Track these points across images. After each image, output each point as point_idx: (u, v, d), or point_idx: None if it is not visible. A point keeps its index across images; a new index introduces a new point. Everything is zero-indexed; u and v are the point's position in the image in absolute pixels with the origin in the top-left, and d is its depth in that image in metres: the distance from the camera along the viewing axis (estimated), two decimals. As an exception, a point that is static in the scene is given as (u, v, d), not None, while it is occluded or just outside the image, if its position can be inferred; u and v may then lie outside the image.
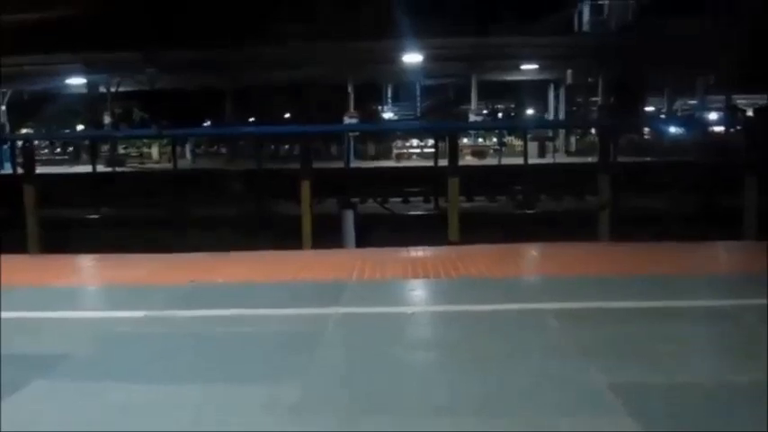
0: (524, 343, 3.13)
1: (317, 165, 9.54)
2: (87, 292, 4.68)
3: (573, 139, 30.46)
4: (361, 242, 9.12)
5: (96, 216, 12.52)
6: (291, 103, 31.84)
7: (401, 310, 3.78)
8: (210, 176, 16.67)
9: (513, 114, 38.73)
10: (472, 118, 27.59)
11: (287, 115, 34.17)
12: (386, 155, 28.05)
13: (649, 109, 33.53)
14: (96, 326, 3.56)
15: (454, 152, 8.41)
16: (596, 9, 26.83)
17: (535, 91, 32.34)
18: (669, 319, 3.43)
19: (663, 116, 31.87)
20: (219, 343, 3.23)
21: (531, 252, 5.83)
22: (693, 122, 25.43)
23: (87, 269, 5.55)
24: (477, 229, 8.65)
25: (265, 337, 3.30)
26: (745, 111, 30.45)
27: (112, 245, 7.29)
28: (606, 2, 26.87)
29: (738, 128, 17.84)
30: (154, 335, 3.37)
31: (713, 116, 30.21)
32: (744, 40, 21.30)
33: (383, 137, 29.14)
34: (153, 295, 4.20)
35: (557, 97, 30.37)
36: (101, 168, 20.61)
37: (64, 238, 8.26)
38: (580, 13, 27.36)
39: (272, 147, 28.26)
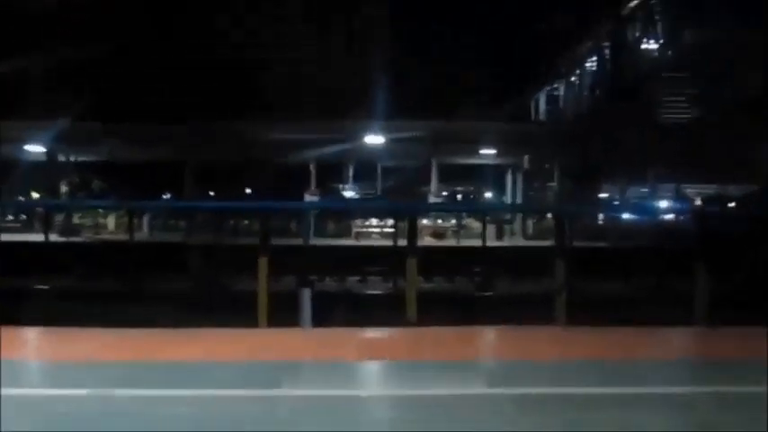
0: (480, 430, 3.08)
1: (275, 241, 9.49)
2: (31, 367, 4.49)
3: (530, 223, 31.05)
4: (318, 321, 9.00)
5: (47, 287, 12.16)
6: (252, 179, 31.95)
7: (355, 394, 3.70)
8: (167, 249, 16.44)
9: (472, 197, 39.47)
10: (432, 199, 28.00)
11: (247, 191, 34.21)
12: (345, 233, 28.13)
13: (603, 195, 34.54)
14: (37, 404, 3.40)
15: (413, 232, 8.45)
16: (552, 98, 27.94)
17: (493, 175, 33.13)
18: (624, 407, 3.43)
19: (616, 202, 32.84)
20: (161, 424, 3.11)
21: (489, 335, 5.81)
22: (645, 209, 26.24)
23: (34, 342, 5.34)
24: (435, 310, 8.62)
25: (211, 420, 3.18)
26: (693, 199, 31.59)
27: (62, 317, 7.05)
28: (561, 92, 28.07)
29: (687, 215, 18.43)
30: (94, 415, 3.24)
31: (663, 203, 31.21)
32: (690, 132, 22.32)
33: (343, 215, 29.27)
34: (99, 372, 4.05)
35: (514, 182, 31.11)
36: (54, 238, 20.17)
37: (11, 309, 7.98)
38: (536, 102, 28.47)
39: (231, 222, 28.09)
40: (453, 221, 30.80)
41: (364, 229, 28.61)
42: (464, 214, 29.97)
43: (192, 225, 26.76)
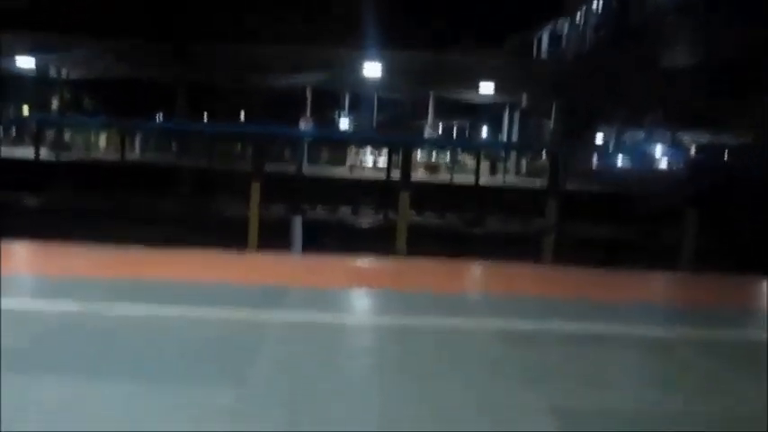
0: (466, 362, 3.15)
1: (269, 167, 9.46)
2: (21, 281, 4.51)
3: (525, 161, 31.01)
4: (308, 249, 9.09)
5: (37, 203, 12.15)
6: (248, 104, 31.56)
7: (341, 320, 3.76)
8: (159, 171, 16.38)
9: (467, 132, 39.25)
10: (428, 133, 27.82)
11: (242, 115, 33.84)
12: (339, 163, 28.03)
13: (599, 139, 34.41)
14: (28, 318, 3.44)
15: (407, 166, 8.45)
16: (555, 37, 27.45)
17: (491, 112, 32.87)
18: (605, 345, 3.50)
19: (611, 145, 32.78)
20: (154, 341, 3.16)
21: (476, 270, 5.88)
22: (640, 154, 26.22)
23: (23, 257, 5.36)
24: (424, 244, 8.70)
25: (200, 341, 3.23)
26: (688, 148, 31.54)
27: (54, 233, 7.07)
28: (564, 31, 27.54)
29: (681, 163, 18.48)
30: (86, 330, 3.27)
31: (659, 150, 31.23)
32: (689, 78, 22.03)
33: (338, 145, 29.11)
34: (91, 288, 4.08)
35: (511, 120, 30.91)
36: (45, 154, 20.00)
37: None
38: (539, 40, 27.97)
39: (225, 146, 27.91)
40: (448, 156, 30.73)
41: (358, 160, 28.54)
42: (459, 149, 29.90)
43: (184, 147, 26.59)
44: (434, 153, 31.09)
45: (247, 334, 3.33)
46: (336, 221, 13.00)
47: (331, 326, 3.59)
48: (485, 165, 25.25)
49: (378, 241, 9.68)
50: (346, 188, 15.84)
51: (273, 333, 3.40)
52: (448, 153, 30.97)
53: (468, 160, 30.71)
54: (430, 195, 14.94)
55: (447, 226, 13.25)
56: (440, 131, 33.11)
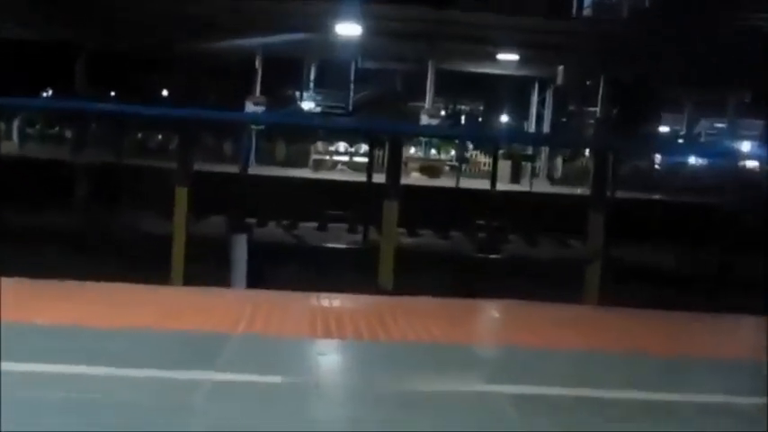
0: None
1: (200, 167, 9.46)
2: None
3: (559, 162, 31.23)
4: (256, 282, 9.08)
5: None
6: (173, 78, 31.54)
7: (302, 381, 3.74)
8: (46, 169, 16.31)
9: (481, 120, 39.49)
10: (425, 120, 27.90)
11: (164, 94, 33.87)
12: (301, 161, 28.09)
13: (664, 129, 34.72)
14: None
15: (396, 165, 8.46)
16: (604, -12, 27.66)
17: (513, 91, 33.08)
18: (672, 420, 3.48)
19: (681, 140, 33.06)
20: (31, 410, 3.11)
21: (492, 312, 5.88)
22: (721, 152, 26.38)
23: None
24: (419, 275, 8.68)
25: (103, 409, 3.19)
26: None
27: None
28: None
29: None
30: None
31: (747, 146, 31.36)
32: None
33: (298, 135, 29.17)
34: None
35: (542, 102, 31.10)
36: None
37: None
38: (581, -9, 28.15)
39: (140, 135, 27.87)
40: (453, 153, 30.84)
41: (327, 157, 28.64)
42: (469, 144, 30.05)
43: (82, 136, 26.49)
44: (434, 148, 31.28)
45: (165, 401, 3.32)
46: (295, 243, 13.01)
47: (282, 389, 3.57)
48: (504, 165, 25.42)
49: (353, 271, 9.67)
50: (310, 196, 15.88)
51: (202, 401, 3.38)
52: (453, 149, 31.11)
53: (482, 159, 30.85)
54: (428, 207, 14.98)
55: (452, 250, 13.30)
56: (442, 118, 33.28)
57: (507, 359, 4.46)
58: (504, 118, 38.22)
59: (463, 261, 11.98)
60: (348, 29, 25.47)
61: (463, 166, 27.64)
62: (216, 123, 22.79)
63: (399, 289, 7.16)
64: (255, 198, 14.18)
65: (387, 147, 14.33)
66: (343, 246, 12.83)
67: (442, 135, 30.45)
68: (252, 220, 12.49)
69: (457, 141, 29.84)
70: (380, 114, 30.49)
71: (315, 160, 28.04)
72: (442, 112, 34.23)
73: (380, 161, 24.54)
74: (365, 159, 22.55)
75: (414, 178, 25.15)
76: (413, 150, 30.04)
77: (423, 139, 29.89)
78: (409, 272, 7.63)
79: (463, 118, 39.76)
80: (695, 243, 12.85)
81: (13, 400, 3.18)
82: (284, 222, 14.18)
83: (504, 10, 24.63)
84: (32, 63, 30.77)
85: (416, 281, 7.16)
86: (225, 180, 15.38)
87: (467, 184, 22.10)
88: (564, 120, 32.72)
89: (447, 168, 29.11)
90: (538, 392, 3.73)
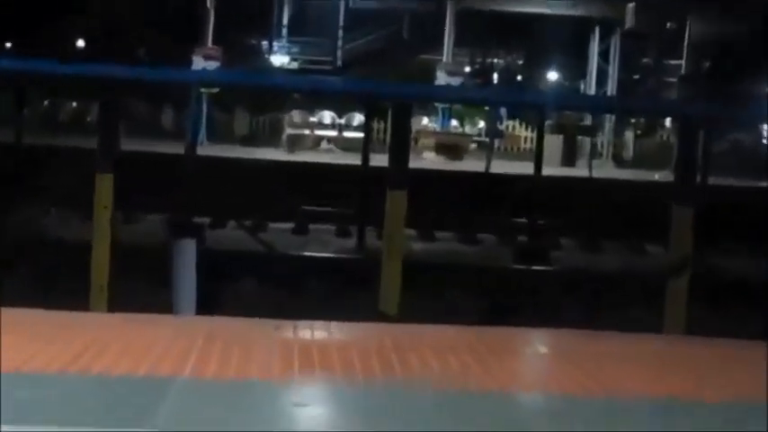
0: None
1: (130, 145, 9.47)
2: None
3: (630, 136, 31.21)
4: (210, 305, 9.10)
5: None
6: (90, 24, 31.57)
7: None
8: None
9: (520, 79, 39.44)
10: (443, 79, 27.89)
11: (79, 45, 33.88)
12: (271, 137, 28.11)
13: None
14: None
15: (403, 142, 8.49)
16: None
17: (566, 38, 33.00)
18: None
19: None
20: None
21: (538, 345, 5.90)
22: None
23: None
24: (435, 295, 8.70)
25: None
26: None
27: None
28: None
29: None
30: None
31: None
32: None
33: (267, 101, 29.18)
34: None
35: (604, 54, 31.09)
36: None
37: None
38: None
39: (46, 103, 27.88)
40: (481, 125, 30.80)
41: (307, 132, 28.62)
42: (503, 111, 29.99)
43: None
44: (456, 118, 31.17)
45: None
46: (264, 251, 13.01)
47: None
48: (553, 142, 25.41)
49: (344, 290, 9.68)
50: (284, 186, 15.87)
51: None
52: (482, 119, 31.05)
53: (522, 132, 30.82)
54: (447, 200, 14.98)
55: (480, 260, 13.28)
56: (466, 76, 33.20)
57: (559, 413, 4.47)
58: (553, 75, 38.16)
59: (496, 275, 11.94)
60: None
61: (496, 143, 27.57)
62: (150, 85, 22.78)
63: (408, 315, 7.17)
64: (208, 189, 14.12)
65: (390, 117, 14.32)
66: (330, 255, 12.79)
67: (467, 100, 30.36)
68: (203, 220, 12.46)
69: (487, 108, 29.73)
70: (380, 72, 30.44)
71: (290, 136, 28.00)
72: (467, 69, 34.22)
73: (381, 137, 24.56)
74: (360, 135, 22.52)
75: (427, 160, 25.22)
76: (426, 122, 30.02)
77: (439, 106, 29.80)
78: (421, 290, 7.64)
79: (496, 76, 39.66)
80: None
81: None
82: (248, 223, 14.14)
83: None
84: None
85: (432, 303, 7.18)
86: (165, 164, 15.31)
87: (501, 167, 22.09)
88: (636, 78, 32.72)
89: (473, 146, 29.10)
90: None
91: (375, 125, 21.71)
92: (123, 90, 13.31)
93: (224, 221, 14.11)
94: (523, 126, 30.81)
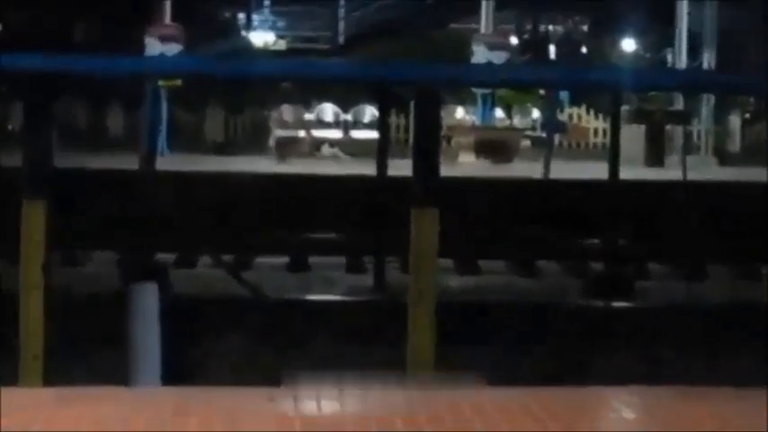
0: None
1: (68, 161, 9.52)
2: None
3: (736, 123, 31.19)
4: (180, 368, 9.14)
5: None
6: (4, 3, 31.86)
7: None
8: None
9: (586, 51, 39.51)
10: (481, 56, 28.01)
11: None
12: (254, 142, 28.22)
13: None
14: None
15: (431, 143, 8.50)
16: None
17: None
18: None
19: None
20: None
21: (627, 409, 5.90)
22: None
23: None
24: (482, 347, 8.72)
25: None
26: None
27: None
28: None
29: None
30: None
31: None
32: None
33: (247, 95, 29.33)
34: None
35: (695, 14, 31.11)
36: None
37: None
38: None
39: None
40: (535, 115, 30.85)
41: (301, 133, 28.70)
42: (564, 96, 30.04)
43: None
44: (501, 107, 31.19)
45: None
46: (249, 297, 13.04)
47: None
48: (633, 134, 25.39)
49: (360, 344, 9.71)
50: (274, 207, 15.93)
51: None
52: (535, 106, 31.13)
53: (591, 122, 30.86)
54: (493, 218, 14.98)
55: (542, 295, 13.30)
56: (513, 50, 33.20)
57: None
58: (629, 45, 38.15)
59: (564, 316, 11.96)
60: None
61: (556, 138, 27.61)
62: (90, 80, 22.92)
63: (445, 376, 7.18)
64: (173, 216, 14.21)
65: (412, 109, 14.35)
66: (339, 298, 12.83)
67: (515, 82, 30.45)
68: (167, 257, 12.51)
69: (542, 93, 29.81)
70: (397, 50, 30.56)
71: (279, 140, 28.09)
72: (513, 40, 34.21)
73: (402, 136, 24.62)
74: (372, 135, 22.62)
75: (465, 165, 25.24)
76: (461, 113, 30.09)
77: (479, 92, 29.93)
78: (463, 342, 7.65)
79: (552, 49, 39.70)
80: None
81: None
82: (227, 258, 14.17)
83: None
84: None
85: (477, 357, 7.17)
86: (114, 185, 15.41)
87: (563, 170, 22.10)
88: (741, 45, 32.74)
89: (526, 143, 29.16)
90: None
91: (393, 121, 21.73)
92: (55, 88, 13.35)
93: (195, 258, 14.14)
94: (592, 114, 30.87)
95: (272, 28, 32.33)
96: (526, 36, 37.99)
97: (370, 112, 27.34)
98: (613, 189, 14.41)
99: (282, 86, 28.23)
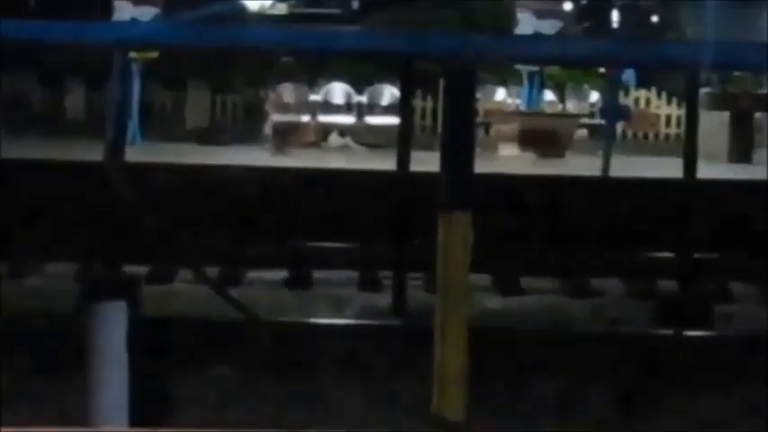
0: None
1: (15, 151, 9.56)
2: None
3: None
4: (152, 406, 9.15)
5: None
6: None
7: None
8: None
9: (655, 20, 39.53)
10: (527, 25, 28.03)
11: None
12: (246, 129, 28.28)
13: None
14: None
15: (463, 130, 8.49)
16: None
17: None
18: None
19: None
20: None
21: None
22: None
23: None
24: (526, 386, 8.74)
25: None
26: None
27: None
28: None
29: None
30: None
31: None
32: None
33: (239, 71, 29.41)
34: None
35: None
36: None
37: None
38: None
39: None
40: (593, 99, 30.86)
41: (304, 118, 28.70)
42: (629, 76, 30.05)
43: None
44: (550, 88, 31.23)
45: None
46: (237, 318, 13.04)
47: None
48: (714, 122, 25.34)
49: (374, 378, 9.71)
50: (268, 208, 15.95)
51: None
52: (594, 88, 31.13)
53: (661, 108, 30.85)
54: (540, 224, 14.98)
55: (600, 320, 13.29)
56: (566, 18, 33.20)
57: None
58: (711, 11, 38.09)
59: (629, 347, 11.92)
60: None
61: (619, 127, 27.56)
62: (45, 51, 22.96)
63: (480, 421, 7.19)
64: (145, 218, 14.21)
65: (442, 90, 14.34)
66: (350, 322, 12.82)
67: (569, 58, 30.45)
68: (138, 270, 12.53)
69: (603, 71, 29.84)
70: (423, 17, 30.60)
71: (277, 126, 28.03)
72: (567, 6, 34.24)
73: (428, 123, 24.62)
74: (392, 121, 22.64)
75: (506, 159, 25.27)
76: (501, 96, 30.11)
77: (524, 70, 29.95)
78: (503, 378, 7.67)
79: (615, 16, 39.68)
80: None
81: None
82: (212, 272, 14.15)
83: None
84: None
85: (521, 399, 7.19)
86: (74, 180, 15.44)
87: (627, 166, 22.09)
88: None
89: (581, 133, 29.14)
90: None
91: (417, 104, 21.73)
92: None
93: (172, 271, 14.12)
94: (663, 98, 30.83)
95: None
96: (583, 1, 37.96)
97: (389, 93, 27.31)
98: (689, 190, 14.39)
99: (282, 61, 28.23)
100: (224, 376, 10.65)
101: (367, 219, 14.35)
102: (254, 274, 14.34)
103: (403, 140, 14.05)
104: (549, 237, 14.98)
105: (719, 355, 11.59)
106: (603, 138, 25.56)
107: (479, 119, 24.11)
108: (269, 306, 13.22)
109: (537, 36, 26.24)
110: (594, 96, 30.55)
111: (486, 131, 26.88)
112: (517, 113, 29.24)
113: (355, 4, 31.89)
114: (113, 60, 19.22)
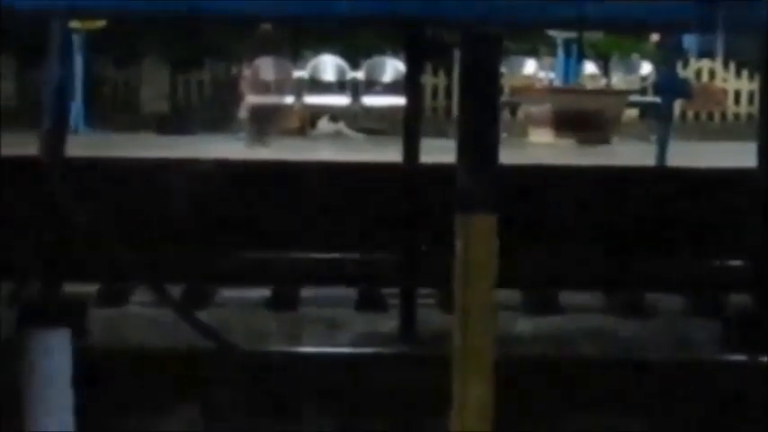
0: None
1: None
2: None
3: None
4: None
5: None
6: None
7: None
8: None
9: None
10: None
11: None
12: (216, 114, 28.36)
13: None
14: None
15: (484, 113, 8.51)
16: None
17: None
18: None
19: None
20: None
21: None
22: None
23: None
24: (567, 423, 8.78)
25: None
26: None
27: None
28: None
29: None
30: None
31: None
32: None
33: (205, 44, 29.49)
34: None
35: None
36: None
37: None
38: None
39: None
40: (644, 72, 30.91)
41: (287, 99, 28.70)
42: (689, 43, 30.12)
43: None
44: (590, 59, 31.19)
45: None
46: (209, 346, 13.09)
47: None
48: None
49: (377, 417, 9.76)
50: (244, 212, 15.99)
51: None
52: (645, 61, 31.18)
53: (729, 81, 30.93)
54: (579, 227, 15.01)
55: (654, 345, 13.32)
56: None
57: None
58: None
59: (691, 377, 11.95)
60: None
61: (676, 107, 27.60)
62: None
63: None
64: (92, 224, 14.27)
65: (457, 64, 14.37)
66: (345, 351, 12.86)
67: (614, 22, 30.55)
68: (85, 290, 12.56)
69: (656, 38, 29.88)
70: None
71: (255, 110, 28.05)
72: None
73: (441, 104, 24.72)
74: (396, 102, 22.72)
75: (538, 146, 25.36)
76: (532, 69, 30.18)
77: (559, 37, 29.98)
78: (533, 416, 7.72)
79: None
80: None
81: None
82: (176, 291, 14.17)
83: None
84: None
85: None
86: (4, 177, 15.52)
87: (688, 154, 22.13)
88: None
89: (631, 113, 29.19)
90: None
91: (427, 81, 21.84)
92: None
93: (127, 290, 14.15)
94: (732, 70, 30.92)
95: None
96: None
97: (392, 67, 27.35)
98: (764, 183, 14.38)
99: (260, 29, 28.19)
100: (191, 420, 10.68)
101: (366, 223, 14.36)
102: (227, 293, 14.34)
103: (409, 126, 14.03)
104: (593, 243, 14.97)
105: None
106: (658, 119, 25.56)
107: (504, 98, 24.14)
108: (246, 332, 13.25)
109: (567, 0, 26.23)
110: (646, 68, 30.55)
111: (513, 113, 26.97)
112: (551, 90, 29.28)
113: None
114: (50, 32, 19.27)
